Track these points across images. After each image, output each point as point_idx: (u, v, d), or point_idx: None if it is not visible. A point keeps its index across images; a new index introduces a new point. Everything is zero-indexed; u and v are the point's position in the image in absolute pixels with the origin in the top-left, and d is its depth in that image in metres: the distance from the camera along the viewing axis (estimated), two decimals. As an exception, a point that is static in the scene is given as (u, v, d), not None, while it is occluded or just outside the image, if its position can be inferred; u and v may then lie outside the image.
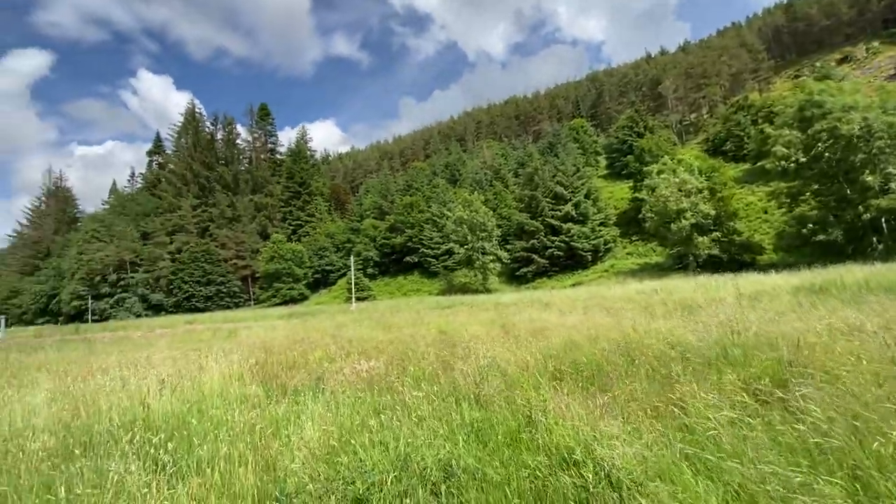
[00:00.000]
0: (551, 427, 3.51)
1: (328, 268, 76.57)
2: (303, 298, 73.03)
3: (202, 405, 5.96)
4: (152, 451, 3.86)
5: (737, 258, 41.86)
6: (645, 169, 48.84)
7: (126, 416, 4.93)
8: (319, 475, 3.38)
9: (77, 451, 3.95)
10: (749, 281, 21.12)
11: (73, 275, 75.36)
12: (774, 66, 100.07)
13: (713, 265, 41.21)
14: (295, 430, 4.67)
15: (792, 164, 33.26)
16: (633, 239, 59.24)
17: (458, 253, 56.53)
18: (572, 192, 58.36)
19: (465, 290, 55.54)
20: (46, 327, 53.31)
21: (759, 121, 59.99)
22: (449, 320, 18.50)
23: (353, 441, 3.95)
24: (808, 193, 35.41)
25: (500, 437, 3.68)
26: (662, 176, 41.73)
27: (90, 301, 72.16)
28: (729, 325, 6.90)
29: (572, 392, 4.60)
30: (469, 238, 55.26)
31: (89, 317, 70.87)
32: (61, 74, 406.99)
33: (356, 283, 60.00)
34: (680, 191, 40.57)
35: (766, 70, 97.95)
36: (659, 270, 45.57)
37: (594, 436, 3.22)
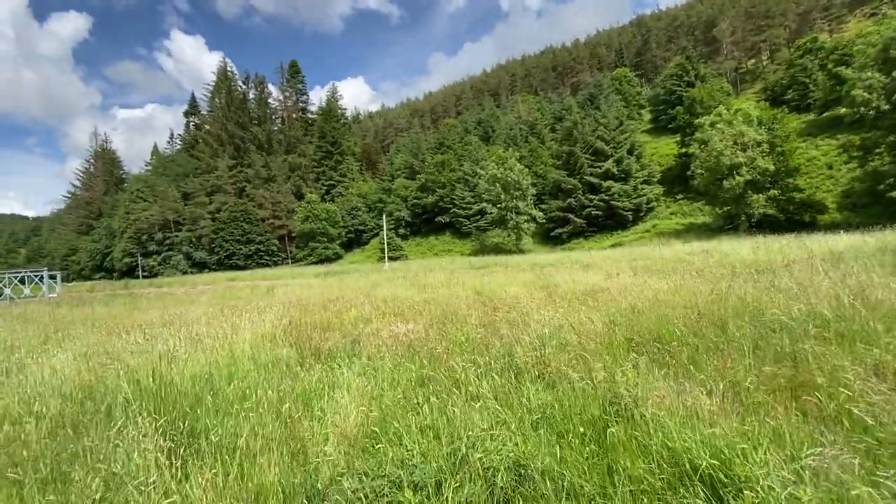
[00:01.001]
0: (659, 423, 2.70)
1: (360, 228, 77.08)
2: (337, 258, 74.29)
3: (232, 369, 5.52)
4: (169, 427, 3.36)
5: (794, 218, 38.62)
6: (696, 121, 44.91)
7: (148, 381, 4.49)
8: (357, 470, 2.75)
9: (85, 422, 3.52)
10: (816, 241, 19.12)
11: (122, 233, 79.39)
12: (849, 1, 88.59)
13: (768, 226, 38.26)
14: (329, 404, 4.10)
15: (871, 112, 29.46)
16: (678, 198, 55.85)
17: (491, 213, 55.12)
18: (614, 147, 55.04)
19: (497, 250, 54.57)
20: (100, 283, 56.73)
21: (830, 65, 53.57)
22: (484, 281, 17.80)
23: (395, 423, 3.31)
24: (884, 146, 31.59)
25: (579, 428, 2.92)
26: (717, 127, 38.16)
27: (139, 258, 76.16)
28: (832, 291, 5.77)
29: (660, 370, 3.76)
30: (502, 197, 53.60)
31: (139, 273, 75.02)
32: (100, 37, 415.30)
33: (388, 243, 60.11)
34: (735, 144, 37.16)
35: (840, 7, 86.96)
36: (706, 231, 42.88)
37: (727, 442, 2.39)
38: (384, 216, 65.75)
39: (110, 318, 12.23)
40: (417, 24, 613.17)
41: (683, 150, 55.42)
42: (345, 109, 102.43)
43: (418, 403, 3.77)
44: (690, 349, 4.28)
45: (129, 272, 77.83)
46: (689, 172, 44.38)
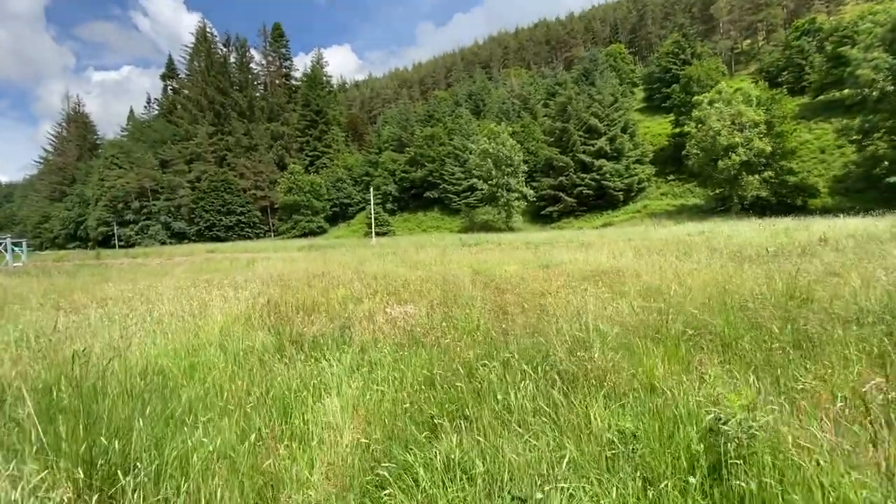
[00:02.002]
0: (795, 467, 1.83)
1: (346, 201, 75.14)
2: (322, 231, 72.55)
3: (194, 359, 4.53)
4: (87, 456, 2.39)
5: (786, 201, 38.50)
6: (695, 98, 43.87)
7: (71, 386, 3.48)
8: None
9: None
10: (818, 224, 18.64)
11: (97, 201, 75.98)
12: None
13: (759, 208, 38.08)
14: (313, 414, 3.18)
15: (874, 93, 28.86)
16: (670, 179, 55.39)
17: (482, 189, 53.90)
18: (608, 125, 53.93)
19: (486, 228, 53.70)
20: (72, 252, 54.33)
21: (829, 47, 52.77)
22: (480, 259, 16.94)
23: (406, 454, 2.40)
24: (883, 129, 31.20)
25: (672, 469, 2.06)
26: (716, 106, 37.28)
27: (115, 227, 73.16)
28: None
29: (742, 377, 2.91)
30: (494, 173, 52.36)
31: (116, 242, 72.24)
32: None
33: (375, 218, 58.64)
34: (733, 124, 36.43)
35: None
36: (698, 213, 42.58)
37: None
38: (371, 189, 63.97)
39: (68, 292, 11.01)
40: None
41: (677, 129, 54.66)
42: (330, 77, 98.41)
43: (432, 417, 2.86)
44: (765, 349, 3.44)
45: (105, 241, 74.93)
46: (683, 152, 43.69)
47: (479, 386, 3.27)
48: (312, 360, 4.45)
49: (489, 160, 52.48)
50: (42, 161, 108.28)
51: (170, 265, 23.05)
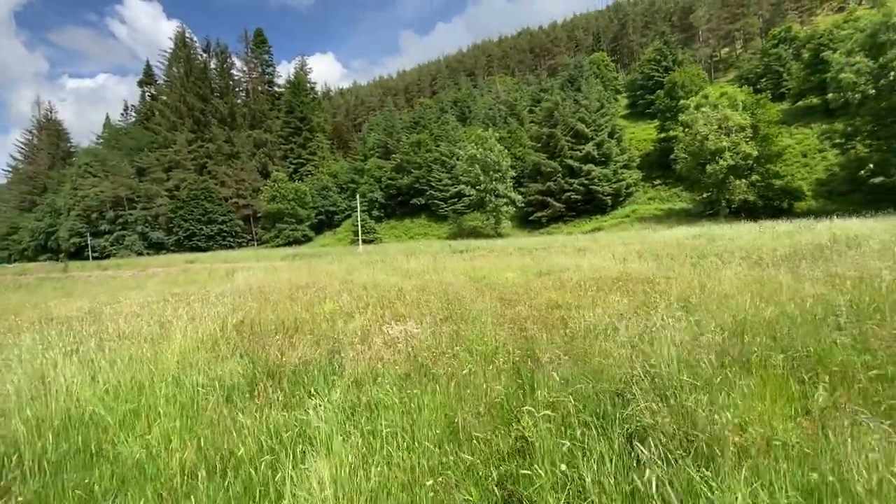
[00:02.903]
0: None
1: (331, 209, 73.70)
2: (306, 240, 70.93)
3: (140, 403, 3.52)
4: None
5: (772, 204, 38.70)
6: (681, 103, 44.01)
7: None
8: None
9: None
10: (816, 226, 18.28)
11: (69, 211, 72.96)
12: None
13: (746, 212, 38.16)
14: (290, 485, 2.23)
15: (857, 96, 29.11)
16: (656, 183, 55.59)
17: (470, 195, 53.23)
18: (595, 130, 53.92)
19: (475, 234, 53.02)
20: (39, 264, 51.77)
21: (806, 54, 53.87)
22: (475, 266, 16.06)
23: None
24: (866, 132, 31.51)
25: None
26: (703, 110, 37.36)
27: (89, 238, 70.23)
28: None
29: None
30: (482, 179, 51.76)
31: (89, 254, 69.34)
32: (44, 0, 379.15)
33: (361, 225, 57.41)
34: (720, 128, 36.51)
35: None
36: (686, 217, 42.55)
37: None
38: (358, 196, 62.76)
39: (17, 310, 9.76)
40: (389, 1, 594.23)
41: (663, 134, 54.97)
42: (315, 84, 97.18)
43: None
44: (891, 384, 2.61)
45: (78, 253, 71.88)
46: (671, 157, 43.74)
47: (525, 444, 2.36)
48: (293, 400, 3.48)
49: (477, 165, 51.90)
50: (11, 170, 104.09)
51: (143, 277, 21.63)
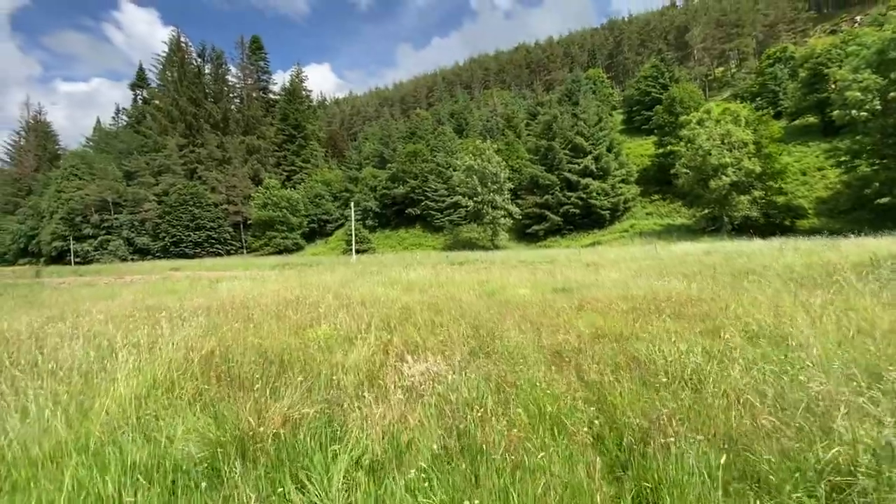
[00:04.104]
0: None
1: (324, 217, 72.28)
2: (298, 248, 69.31)
3: (32, 498, 2.25)
4: None
5: (774, 222, 38.18)
6: (683, 118, 43.63)
7: None
8: None
9: None
10: (835, 246, 17.42)
11: (52, 214, 70.70)
12: (814, 17, 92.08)
13: (748, 229, 37.58)
14: None
15: (863, 114, 28.75)
16: (654, 199, 55.15)
17: (466, 206, 52.29)
18: (593, 143, 53.51)
19: (471, 246, 51.95)
20: (15, 268, 49.58)
21: (803, 73, 54.20)
22: (479, 279, 14.86)
23: None
24: (871, 149, 31.14)
25: None
26: (705, 125, 36.92)
27: (71, 242, 67.88)
28: None
29: None
30: (479, 190, 50.91)
31: (71, 259, 66.97)
32: (41, 4, 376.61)
33: (355, 235, 56.09)
34: (723, 143, 36.05)
35: (805, 21, 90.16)
36: (686, 233, 41.89)
37: None
38: (352, 204, 61.53)
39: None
40: (386, 15, 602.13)
41: (661, 150, 54.70)
42: (310, 91, 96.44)
43: None
44: None
45: (60, 257, 69.46)
46: (672, 171, 43.24)
47: None
48: (274, 498, 2.23)
49: (475, 176, 51.10)
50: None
51: (119, 285, 20.08)
